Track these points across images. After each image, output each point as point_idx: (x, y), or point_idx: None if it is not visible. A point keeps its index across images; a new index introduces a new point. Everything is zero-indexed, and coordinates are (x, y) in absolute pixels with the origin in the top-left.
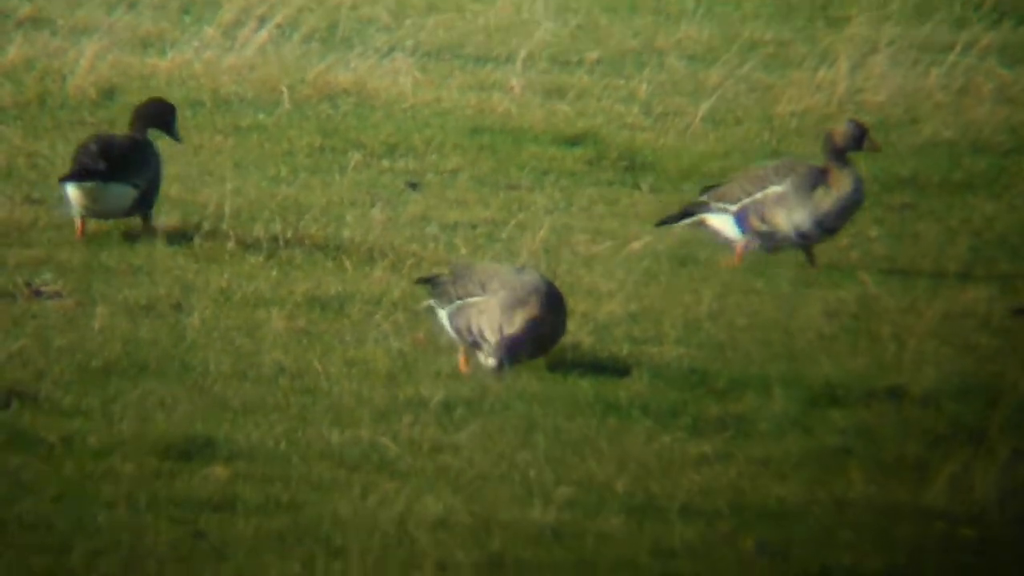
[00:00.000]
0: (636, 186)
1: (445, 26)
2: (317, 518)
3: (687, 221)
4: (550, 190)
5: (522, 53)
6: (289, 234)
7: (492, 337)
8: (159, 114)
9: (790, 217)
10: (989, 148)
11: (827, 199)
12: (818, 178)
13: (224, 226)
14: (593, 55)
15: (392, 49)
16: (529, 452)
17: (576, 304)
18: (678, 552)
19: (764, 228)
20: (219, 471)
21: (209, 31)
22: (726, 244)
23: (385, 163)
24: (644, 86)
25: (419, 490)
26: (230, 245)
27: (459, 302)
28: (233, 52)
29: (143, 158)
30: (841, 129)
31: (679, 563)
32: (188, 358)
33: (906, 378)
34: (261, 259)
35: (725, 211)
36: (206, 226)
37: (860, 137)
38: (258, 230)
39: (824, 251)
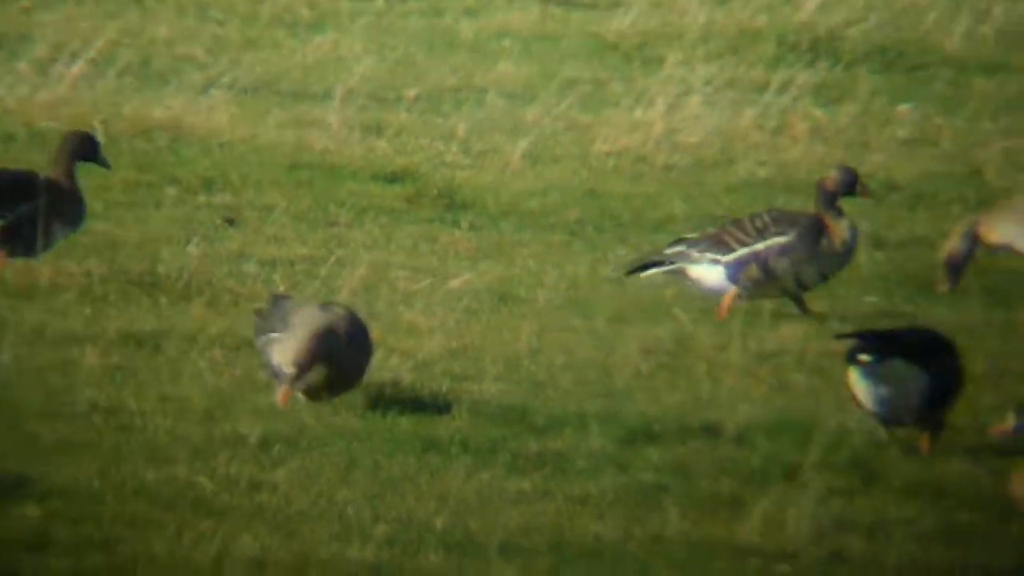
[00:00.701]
0: (455, 224)
1: (262, 63)
2: (132, 557)
3: (662, 270)
4: (369, 227)
5: (340, 90)
6: (103, 270)
7: (289, 372)
8: (79, 146)
9: (794, 268)
10: (804, 188)
11: (830, 249)
12: (819, 228)
13: (37, 262)
14: (411, 92)
15: (208, 85)
16: (348, 490)
17: (396, 341)
18: None
19: (761, 278)
20: (32, 510)
21: (22, 66)
22: (708, 294)
23: (202, 198)
24: (462, 124)
25: (236, 528)
26: (43, 281)
27: (264, 337)
28: (47, 87)
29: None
30: (832, 176)
31: None
32: (0, 396)
33: (721, 415)
34: (74, 295)
35: (714, 262)
36: (19, 262)
37: (852, 183)
38: (71, 266)
39: (641, 289)
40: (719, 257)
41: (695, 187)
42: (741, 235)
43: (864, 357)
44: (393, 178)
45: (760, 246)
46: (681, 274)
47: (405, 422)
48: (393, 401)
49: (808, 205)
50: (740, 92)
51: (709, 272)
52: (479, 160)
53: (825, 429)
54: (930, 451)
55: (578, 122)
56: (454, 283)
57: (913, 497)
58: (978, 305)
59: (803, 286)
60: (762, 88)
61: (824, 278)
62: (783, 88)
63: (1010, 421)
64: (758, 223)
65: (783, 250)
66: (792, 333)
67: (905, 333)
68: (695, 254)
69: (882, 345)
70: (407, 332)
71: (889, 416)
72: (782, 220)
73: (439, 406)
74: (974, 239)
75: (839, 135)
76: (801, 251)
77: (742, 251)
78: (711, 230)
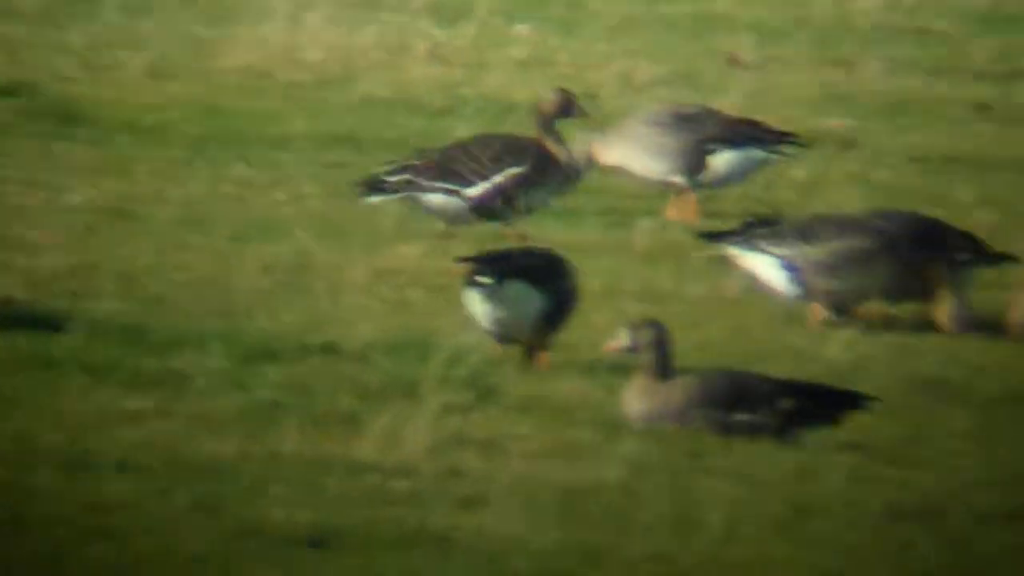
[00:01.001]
0: (72, 138)
1: None
2: None
3: (393, 197)
4: None
5: None
6: None
7: None
8: None
9: (528, 195)
10: (422, 107)
11: (559, 175)
12: (548, 155)
13: None
14: (25, 4)
15: None
16: None
17: (10, 258)
18: (111, 507)
19: (500, 206)
20: None
21: None
22: (443, 220)
23: None
24: (78, 37)
25: None
26: None
27: None
28: None
29: None
30: (550, 99)
31: (112, 518)
32: None
33: (340, 333)
34: None
35: (453, 192)
36: None
37: (568, 106)
38: None
39: (259, 208)
40: (458, 188)
41: (317, 105)
42: (475, 165)
43: (482, 279)
44: (7, 91)
45: (500, 178)
46: (413, 201)
47: (20, 340)
48: (7, 319)
49: (427, 125)
50: (360, 10)
51: (449, 202)
52: (97, 74)
53: (443, 347)
54: (545, 367)
55: (199, 37)
56: (71, 198)
57: (528, 413)
58: (593, 225)
59: (531, 210)
60: (381, 6)
61: (547, 203)
62: (401, 6)
63: (622, 338)
64: (489, 152)
65: (519, 180)
66: (411, 251)
67: (521, 255)
68: (425, 183)
69: (499, 267)
70: (21, 248)
71: (506, 335)
72: (513, 148)
73: (55, 324)
74: (588, 160)
75: (457, 55)
76: (536, 178)
77: (483, 183)
78: (431, 156)
